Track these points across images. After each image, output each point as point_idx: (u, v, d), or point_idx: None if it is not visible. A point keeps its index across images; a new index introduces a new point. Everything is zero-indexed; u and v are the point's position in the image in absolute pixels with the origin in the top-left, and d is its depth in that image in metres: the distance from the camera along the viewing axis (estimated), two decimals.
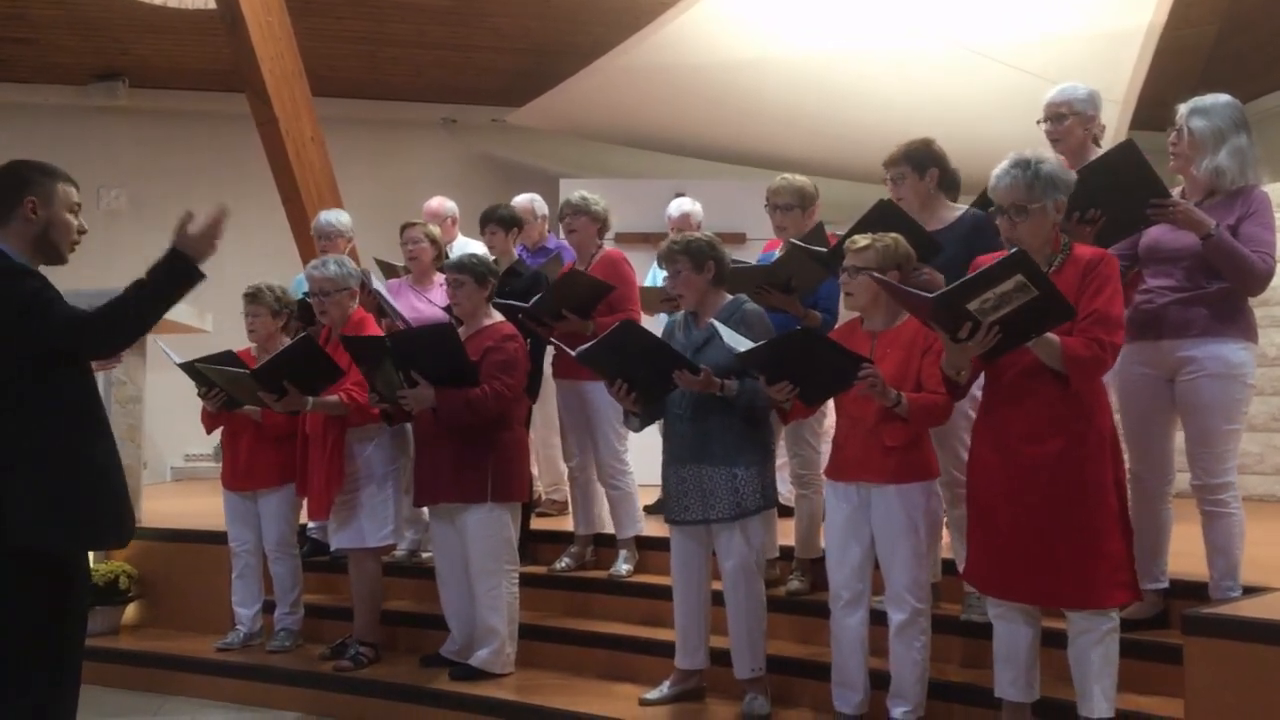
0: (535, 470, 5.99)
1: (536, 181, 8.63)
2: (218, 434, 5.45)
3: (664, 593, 4.40)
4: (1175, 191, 3.72)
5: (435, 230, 5.65)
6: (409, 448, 4.99)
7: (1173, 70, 8.45)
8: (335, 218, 5.91)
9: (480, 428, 4.56)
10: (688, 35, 7.95)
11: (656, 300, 5.39)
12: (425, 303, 5.44)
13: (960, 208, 4.29)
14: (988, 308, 3.10)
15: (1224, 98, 3.77)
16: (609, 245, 5.38)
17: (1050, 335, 3.18)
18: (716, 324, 3.91)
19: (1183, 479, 3.81)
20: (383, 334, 4.97)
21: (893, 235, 3.73)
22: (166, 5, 8.63)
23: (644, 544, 5.17)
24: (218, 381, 4.96)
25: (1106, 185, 3.61)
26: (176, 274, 3.12)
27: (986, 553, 3.41)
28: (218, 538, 5.54)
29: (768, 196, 4.67)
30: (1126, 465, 3.60)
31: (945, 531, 4.11)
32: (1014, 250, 3.13)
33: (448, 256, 5.66)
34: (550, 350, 5.26)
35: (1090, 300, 3.24)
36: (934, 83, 7.95)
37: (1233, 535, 3.68)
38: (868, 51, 7.94)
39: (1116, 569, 3.25)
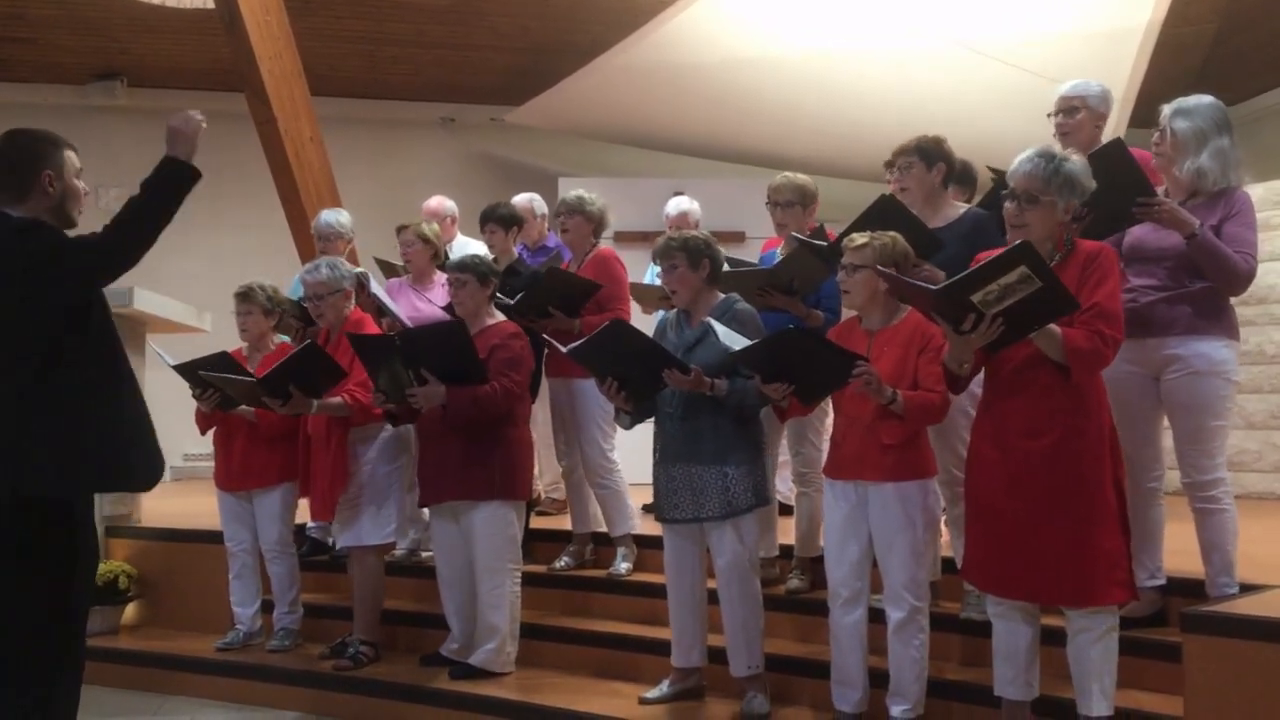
0: (536, 469, 5.99)
1: (535, 180, 8.63)
2: (201, 436, 5.44)
3: (663, 591, 4.39)
4: (1160, 191, 3.73)
5: (429, 229, 5.62)
6: (410, 447, 4.99)
7: (1171, 68, 8.46)
8: (335, 218, 5.91)
9: (486, 425, 4.57)
10: (686, 34, 7.95)
11: (655, 298, 5.40)
12: (425, 302, 5.45)
13: (963, 206, 4.29)
14: (991, 299, 3.10)
15: (1207, 99, 3.78)
16: (606, 244, 5.38)
17: (1052, 327, 3.18)
18: (712, 322, 3.91)
19: (1175, 477, 3.82)
20: (384, 333, 4.98)
21: (890, 234, 3.73)
22: (165, 5, 8.63)
23: (643, 543, 5.17)
24: (222, 387, 4.97)
25: (1095, 182, 3.61)
26: (176, 174, 3.16)
27: (984, 548, 3.41)
28: (217, 537, 5.54)
29: (769, 194, 4.68)
30: None
31: (944, 529, 4.12)
32: (1018, 242, 3.12)
33: (447, 256, 5.67)
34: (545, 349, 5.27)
35: (1091, 293, 3.23)
36: (933, 81, 7.95)
37: (1226, 531, 3.69)
38: (866, 50, 7.94)
39: (1114, 566, 3.25)
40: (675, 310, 4.27)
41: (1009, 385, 3.36)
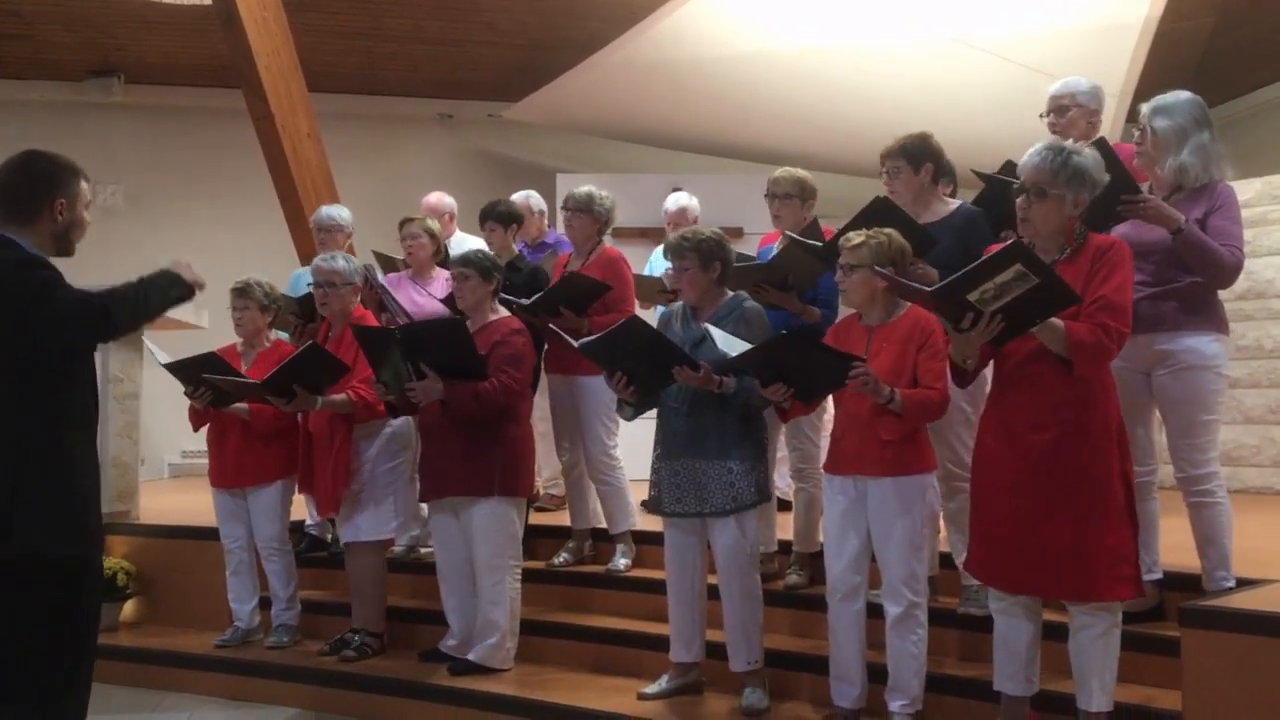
0: (535, 464, 5.99)
1: (533, 177, 8.62)
2: (194, 433, 5.44)
3: (662, 587, 4.40)
4: (1144, 188, 3.74)
5: (434, 225, 5.65)
6: (412, 443, 4.99)
7: (1168, 64, 8.46)
8: (336, 212, 5.93)
9: (487, 421, 4.57)
10: (684, 29, 7.94)
11: (654, 291, 5.40)
12: (425, 296, 5.45)
13: (954, 202, 4.30)
14: (988, 297, 3.10)
15: (1185, 95, 3.79)
16: (608, 242, 5.38)
17: (1054, 320, 3.17)
18: (709, 328, 3.92)
19: (1167, 473, 3.83)
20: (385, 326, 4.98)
21: (887, 231, 3.73)
22: (162, 1, 8.62)
23: (642, 539, 5.18)
24: (224, 388, 4.97)
25: None
26: (169, 278, 3.28)
27: (989, 543, 3.40)
28: (215, 534, 5.53)
29: (768, 186, 4.69)
30: None
31: (942, 524, 4.12)
32: (1011, 241, 3.13)
33: (446, 252, 5.67)
34: (545, 344, 5.27)
35: (1098, 286, 3.23)
36: (930, 77, 7.94)
37: (1221, 525, 3.69)
38: (864, 46, 7.94)
39: (1119, 562, 3.23)
40: (682, 304, 4.27)
41: (1015, 379, 3.35)
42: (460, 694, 4.53)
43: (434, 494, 4.75)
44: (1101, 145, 3.74)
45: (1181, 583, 3.83)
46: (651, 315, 4.98)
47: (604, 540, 5.30)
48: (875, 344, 3.73)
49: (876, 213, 3.92)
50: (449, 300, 5.21)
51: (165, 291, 3.25)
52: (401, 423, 4.98)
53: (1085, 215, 3.65)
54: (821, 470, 4.57)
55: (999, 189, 3.97)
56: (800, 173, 4.69)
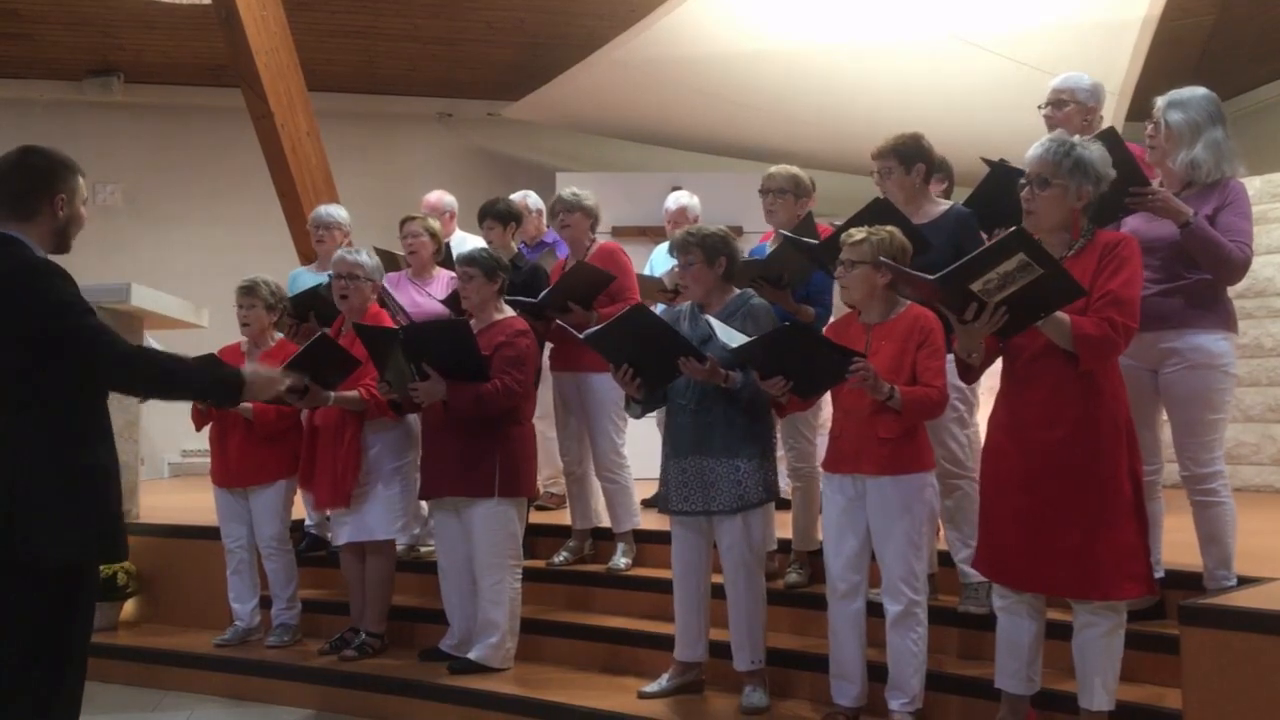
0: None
1: (532, 175, 8.63)
2: (196, 432, 5.44)
3: (663, 586, 4.40)
4: (1154, 182, 3.73)
5: (435, 224, 5.66)
6: (417, 442, 4.99)
7: (1168, 61, 8.45)
8: (333, 209, 5.96)
9: (489, 422, 4.57)
10: (684, 28, 7.93)
11: (654, 290, 5.40)
12: (425, 296, 5.45)
13: (945, 203, 4.30)
14: (991, 288, 3.08)
15: (1200, 91, 3.77)
16: (603, 239, 5.38)
17: (1060, 314, 3.15)
18: (711, 320, 3.91)
19: (1174, 470, 3.82)
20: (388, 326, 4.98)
21: (888, 228, 3.73)
22: (162, 0, 8.62)
23: (642, 537, 5.18)
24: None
25: None
26: (226, 387, 3.22)
27: (997, 539, 3.39)
28: (215, 533, 5.53)
29: (762, 182, 4.69)
30: None
31: (941, 523, 4.12)
32: (1012, 229, 3.11)
33: (447, 250, 5.66)
34: (548, 343, 5.27)
35: (1106, 281, 3.21)
36: (929, 75, 7.94)
37: (1224, 524, 3.68)
38: (863, 44, 7.94)
39: (1127, 560, 3.21)
40: (689, 303, 4.27)
41: (1023, 375, 3.34)
42: (460, 693, 4.52)
43: (435, 493, 4.75)
44: (1110, 136, 3.72)
45: (1182, 581, 3.83)
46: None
47: (604, 539, 5.29)
48: (874, 342, 3.72)
49: (875, 214, 3.92)
50: (449, 300, 5.21)
51: (203, 389, 3.29)
52: (409, 422, 4.97)
53: (1093, 208, 3.65)
54: (818, 468, 4.59)
55: (1003, 180, 3.95)
56: (794, 169, 4.69)
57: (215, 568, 5.51)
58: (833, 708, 3.87)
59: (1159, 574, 3.85)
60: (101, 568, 5.53)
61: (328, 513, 5.25)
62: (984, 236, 3.98)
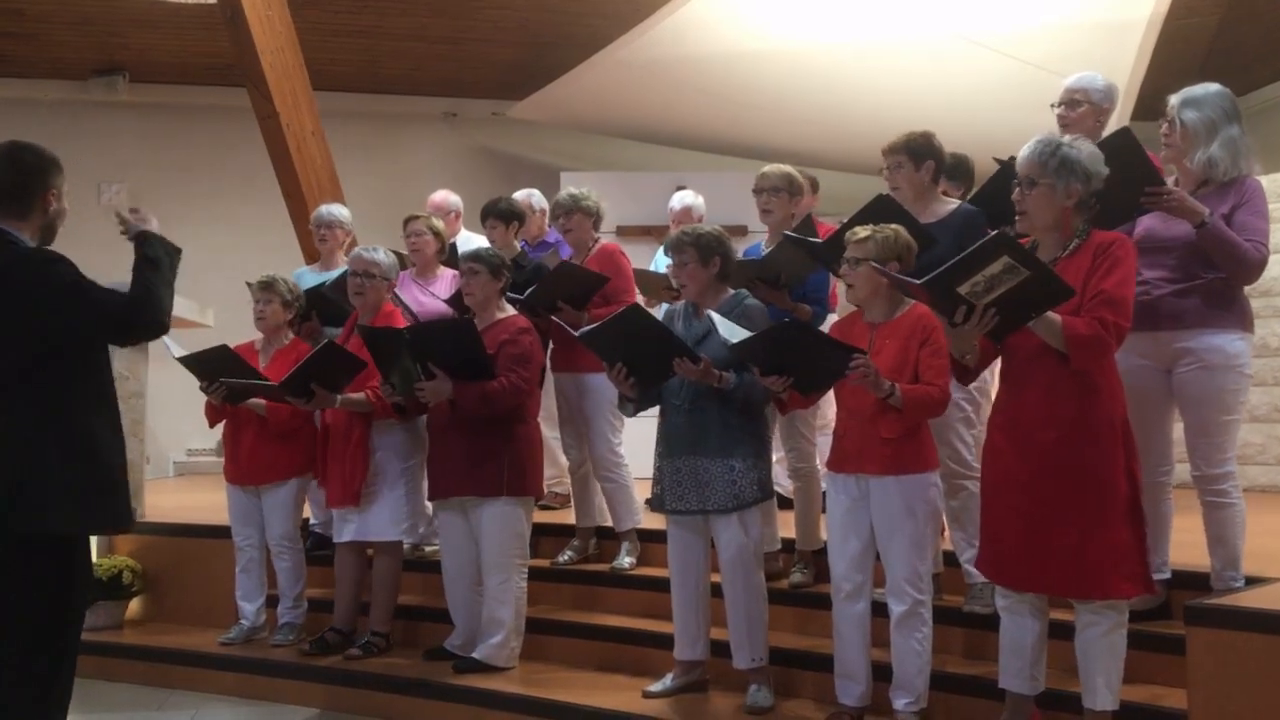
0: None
1: (537, 175, 8.63)
2: (219, 428, 5.45)
3: (667, 585, 4.39)
4: (1169, 181, 3.71)
5: (438, 223, 5.66)
6: (424, 443, 4.99)
7: (1174, 61, 8.44)
8: (334, 208, 5.97)
9: (495, 421, 4.57)
10: (688, 27, 7.94)
11: (659, 287, 5.40)
12: (429, 295, 5.46)
13: (953, 202, 4.29)
14: (979, 290, 3.09)
15: (1215, 87, 3.75)
16: (608, 238, 5.38)
17: (1051, 314, 3.16)
18: (713, 315, 3.91)
19: (1183, 470, 3.81)
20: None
21: (893, 226, 3.73)
22: (166, 0, 8.63)
23: (646, 537, 5.18)
24: (241, 390, 4.98)
25: None
26: (166, 250, 3.34)
27: (998, 540, 3.39)
28: (220, 532, 5.54)
29: (756, 181, 4.69)
30: None
31: (945, 522, 4.12)
32: (994, 233, 3.12)
33: (453, 250, 5.66)
34: (550, 343, 5.27)
35: (1099, 281, 3.21)
36: (934, 74, 7.94)
37: (1234, 525, 3.67)
38: (867, 43, 7.93)
39: (1125, 559, 3.22)
40: (684, 302, 4.28)
41: (1021, 376, 3.35)
42: (465, 692, 4.53)
43: (442, 493, 4.76)
44: (1125, 136, 3.70)
45: (1188, 581, 3.82)
46: (656, 313, 4.97)
47: (608, 538, 5.30)
48: (878, 341, 3.72)
49: (878, 210, 3.91)
50: (453, 299, 5.21)
51: (172, 265, 3.36)
52: (416, 423, 4.98)
53: (1107, 207, 3.64)
54: (818, 467, 4.59)
55: (1011, 178, 3.94)
56: (787, 167, 4.69)
57: (220, 566, 5.52)
58: (837, 707, 3.86)
59: (1166, 575, 3.85)
60: (105, 564, 5.58)
61: (334, 510, 5.24)
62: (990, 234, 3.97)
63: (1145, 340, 3.72)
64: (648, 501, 5.29)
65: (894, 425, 3.63)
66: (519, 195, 6.13)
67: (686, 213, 6.10)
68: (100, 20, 9.13)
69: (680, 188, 6.79)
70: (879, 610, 3.80)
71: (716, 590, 4.20)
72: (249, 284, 5.52)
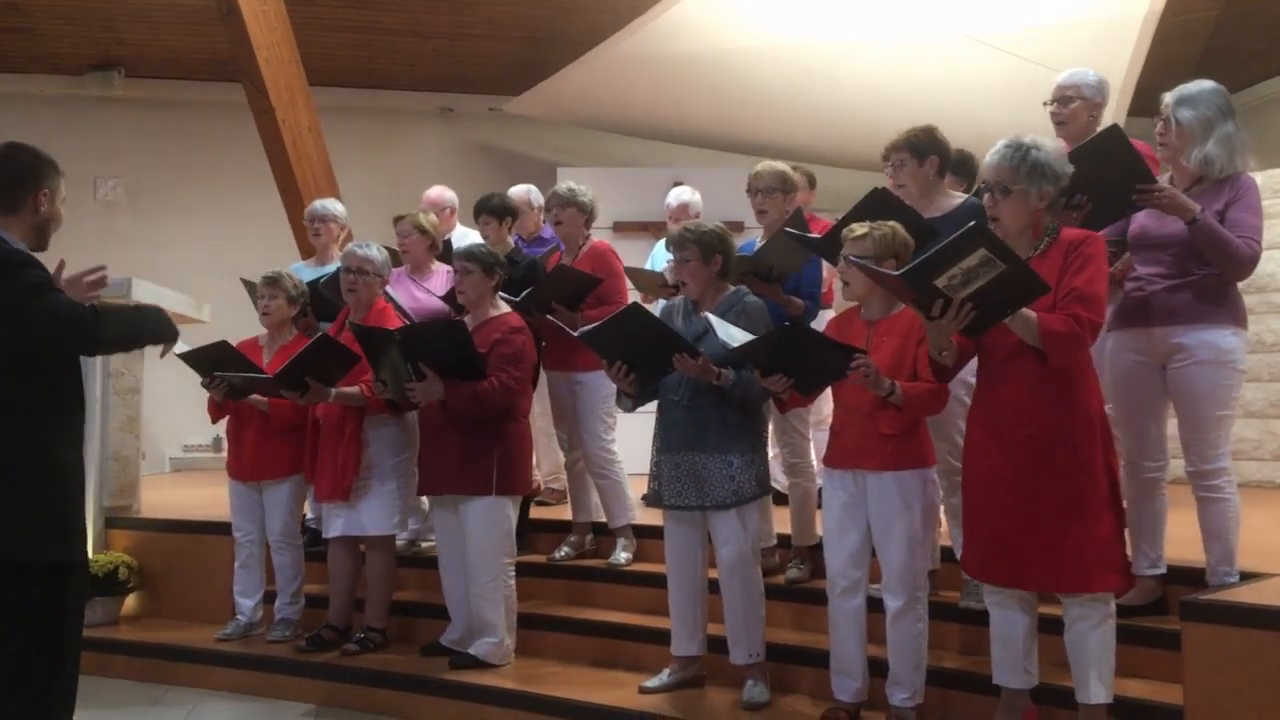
0: (534, 459, 5.99)
1: (534, 171, 8.63)
2: (217, 424, 5.44)
3: (663, 581, 4.40)
4: (1162, 178, 3.72)
5: (426, 219, 5.62)
6: (415, 439, 4.99)
7: (1171, 57, 8.44)
8: (328, 203, 5.97)
9: (487, 420, 4.57)
10: (685, 23, 7.93)
11: (655, 285, 5.40)
12: (424, 292, 5.45)
13: (960, 196, 4.29)
14: (956, 284, 3.10)
15: (1209, 85, 3.75)
16: (601, 235, 5.38)
17: (1027, 312, 3.19)
18: (711, 318, 3.91)
19: (1178, 466, 3.82)
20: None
21: (890, 224, 3.73)
22: None
23: (642, 533, 5.18)
24: (238, 384, 4.98)
25: (1092, 171, 3.61)
26: (162, 323, 3.31)
27: (980, 537, 3.43)
28: (217, 528, 5.54)
29: (750, 181, 4.68)
30: (1119, 451, 3.60)
31: (943, 518, 4.12)
32: (971, 224, 3.12)
33: (448, 246, 5.66)
34: (543, 341, 5.27)
35: (1071, 278, 3.25)
36: (932, 70, 7.94)
37: (1228, 521, 3.68)
38: (865, 39, 7.93)
39: (1107, 553, 3.26)
40: (683, 299, 4.28)
41: (999, 374, 3.37)
42: (462, 688, 4.53)
43: (433, 490, 4.77)
44: (1115, 133, 3.72)
45: (1184, 576, 3.83)
46: (653, 309, 4.97)
47: (605, 534, 5.30)
48: (876, 338, 3.72)
49: (874, 204, 3.91)
50: (449, 296, 5.21)
51: (156, 327, 3.31)
52: (406, 419, 4.98)
53: (1099, 205, 3.65)
54: (812, 463, 4.59)
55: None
56: (781, 166, 4.69)
57: (217, 562, 5.52)
58: (834, 703, 3.87)
59: (1161, 570, 3.86)
60: (101, 560, 5.57)
61: (322, 505, 5.24)
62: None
63: (1139, 336, 3.74)
64: (644, 497, 5.31)
65: (893, 421, 3.64)
66: (518, 191, 6.12)
67: (684, 209, 6.10)
68: (96, 15, 9.11)
69: (677, 184, 6.78)
70: (875, 606, 3.80)
71: (713, 586, 4.21)
72: (243, 280, 5.50)
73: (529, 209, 6.09)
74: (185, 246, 9.39)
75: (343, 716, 4.69)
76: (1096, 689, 3.28)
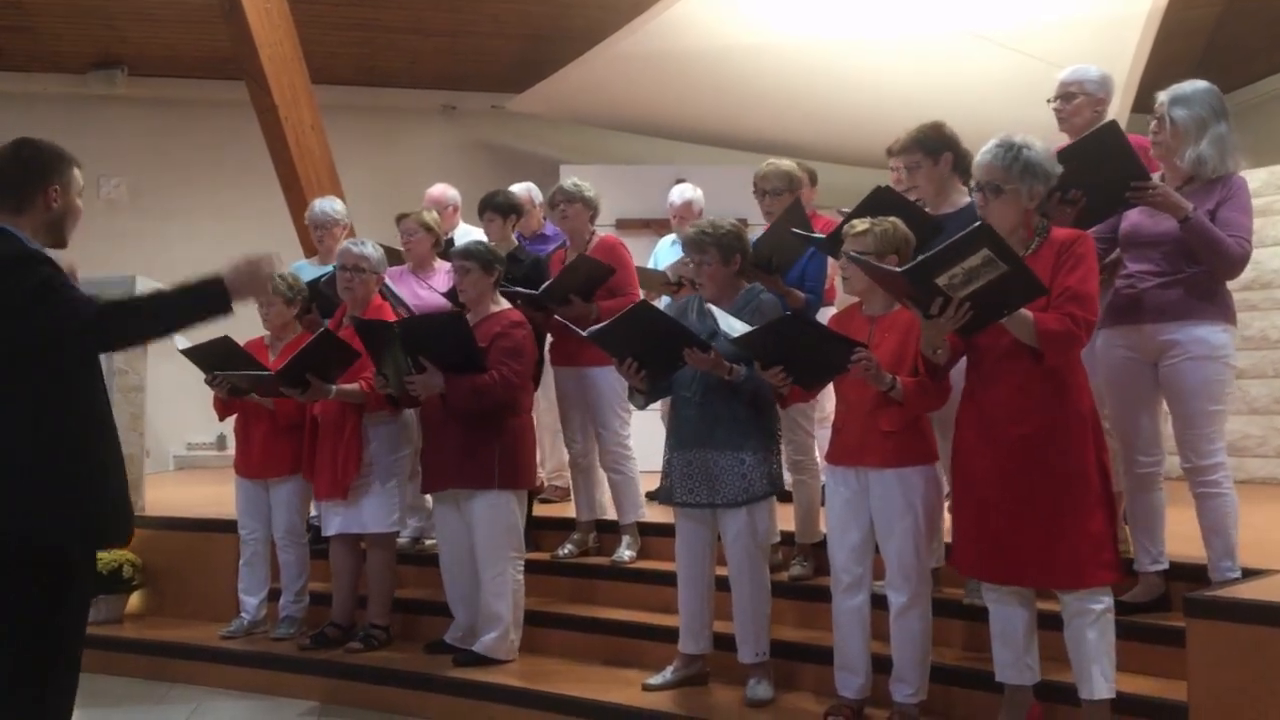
0: (538, 457, 5.99)
1: (536, 168, 8.62)
2: (219, 423, 5.44)
3: (667, 578, 4.41)
4: (1155, 176, 3.73)
5: (430, 217, 5.63)
6: (414, 436, 4.99)
7: (1173, 54, 8.43)
8: (330, 206, 5.91)
9: (488, 414, 4.58)
10: (687, 20, 7.93)
11: (657, 283, 5.39)
12: (427, 289, 5.45)
13: (969, 193, 4.27)
14: (956, 283, 3.12)
15: (1202, 85, 3.77)
16: (607, 232, 5.38)
17: (1024, 311, 3.21)
18: (712, 308, 3.91)
19: (1176, 464, 3.83)
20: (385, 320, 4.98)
21: (891, 219, 3.73)
22: None
23: (647, 530, 5.18)
24: (238, 383, 4.98)
25: (1088, 167, 3.63)
26: (209, 296, 3.12)
27: (973, 535, 3.44)
28: (221, 526, 5.55)
29: (755, 182, 4.68)
30: (1111, 448, 3.62)
31: (947, 515, 4.12)
32: (976, 224, 3.13)
33: (450, 243, 5.66)
34: (548, 336, 5.27)
35: (1064, 278, 3.27)
36: (934, 66, 7.93)
37: (1227, 515, 3.69)
38: (867, 35, 7.92)
39: (1100, 548, 3.28)
40: (697, 297, 4.27)
41: (990, 374, 3.40)
42: (465, 685, 4.53)
43: (435, 486, 4.77)
44: (1112, 129, 3.72)
45: (1187, 573, 3.83)
46: (658, 304, 4.97)
47: (609, 531, 5.30)
48: (877, 334, 3.72)
49: (877, 202, 3.91)
50: (451, 293, 5.21)
51: (190, 310, 3.17)
52: (405, 416, 4.98)
53: (1093, 202, 3.66)
54: (817, 460, 4.59)
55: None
56: (785, 164, 4.68)
57: (221, 560, 5.52)
58: (837, 700, 3.87)
59: (1163, 566, 3.86)
60: (105, 558, 5.57)
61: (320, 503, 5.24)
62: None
63: (1131, 333, 3.77)
64: (651, 494, 5.31)
65: (894, 418, 3.64)
66: (518, 189, 6.12)
67: (687, 207, 6.10)
68: (98, 14, 9.11)
69: (679, 181, 6.78)
70: (879, 603, 3.80)
71: (721, 583, 4.21)
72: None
73: (530, 206, 6.09)
74: (188, 244, 9.38)
75: (346, 714, 4.70)
76: (1099, 684, 3.29)
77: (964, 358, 3.52)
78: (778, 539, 4.72)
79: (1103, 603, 3.31)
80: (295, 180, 7.92)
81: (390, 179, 9.46)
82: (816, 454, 4.67)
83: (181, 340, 5.04)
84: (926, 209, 4.04)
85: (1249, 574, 3.67)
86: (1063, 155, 3.55)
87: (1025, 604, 3.44)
